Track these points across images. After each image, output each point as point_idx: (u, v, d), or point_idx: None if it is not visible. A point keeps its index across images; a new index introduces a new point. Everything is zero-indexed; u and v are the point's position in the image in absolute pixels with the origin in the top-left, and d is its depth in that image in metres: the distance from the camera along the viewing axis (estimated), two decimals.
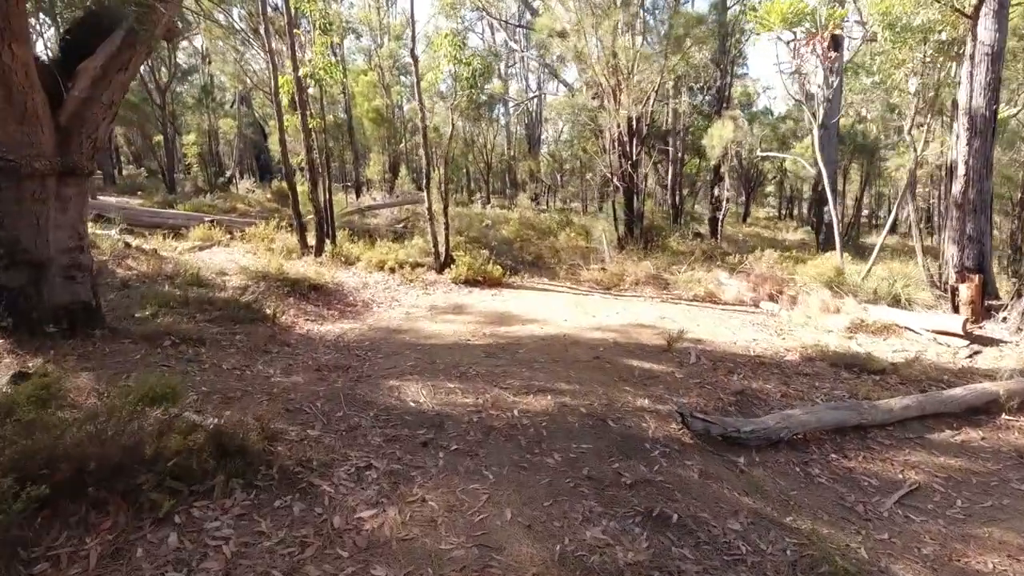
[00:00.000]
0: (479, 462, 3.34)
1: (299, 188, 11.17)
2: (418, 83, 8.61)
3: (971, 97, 6.52)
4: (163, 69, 24.59)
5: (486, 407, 4.16)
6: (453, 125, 8.75)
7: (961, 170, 6.67)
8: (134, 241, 8.69)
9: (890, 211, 30.38)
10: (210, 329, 5.51)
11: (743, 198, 27.42)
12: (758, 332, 6.89)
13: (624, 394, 4.57)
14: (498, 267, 9.41)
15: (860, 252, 15.84)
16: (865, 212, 29.09)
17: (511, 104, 29.05)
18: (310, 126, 10.01)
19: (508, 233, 14.59)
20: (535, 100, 29.59)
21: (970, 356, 5.92)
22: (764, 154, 23.16)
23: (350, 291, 8.55)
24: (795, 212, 34.63)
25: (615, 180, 13.44)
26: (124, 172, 29.98)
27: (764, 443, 4.03)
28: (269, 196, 20.75)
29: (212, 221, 12.06)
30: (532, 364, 5.32)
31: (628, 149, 13.02)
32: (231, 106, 30.14)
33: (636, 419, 4.08)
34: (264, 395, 3.98)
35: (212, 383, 4.12)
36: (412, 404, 4.20)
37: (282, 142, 10.02)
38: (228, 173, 29.66)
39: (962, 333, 6.18)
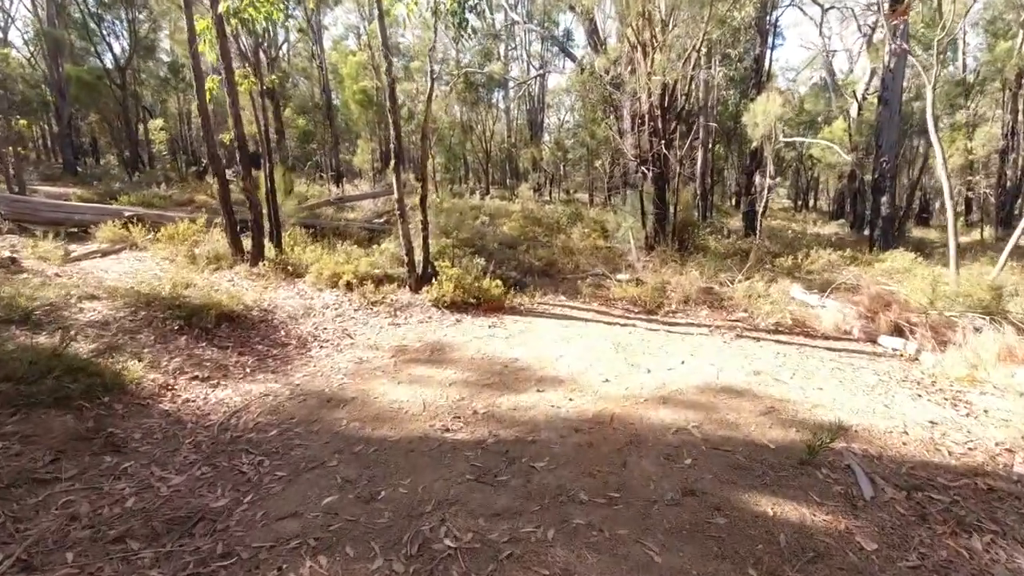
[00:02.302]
0: None
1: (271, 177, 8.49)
2: (381, 18, 5.87)
3: None
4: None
5: None
6: (432, 79, 6.06)
7: None
8: None
9: (929, 202, 27.61)
10: None
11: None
12: (921, 402, 4.23)
13: None
14: (497, 282, 6.75)
15: (919, 249, 13.12)
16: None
17: (511, 86, 26.36)
18: (241, 87, 7.32)
19: (510, 230, 11.91)
20: (537, 81, 26.83)
21: None
22: (789, 139, 20.40)
23: (283, 322, 5.88)
24: (811, 203, 32.09)
25: (642, 166, 10.73)
26: (101, 162, 27.40)
27: None
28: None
29: (132, 217, 9.44)
30: (567, 511, 2.69)
31: (661, 125, 10.31)
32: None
33: None
34: None
35: None
36: None
37: (202, 111, 7.31)
38: (204, 161, 27.05)
39: None
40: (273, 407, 4.05)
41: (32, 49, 25.80)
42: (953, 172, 23.46)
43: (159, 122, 23.77)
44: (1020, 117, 18.77)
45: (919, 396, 4.36)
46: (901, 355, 5.42)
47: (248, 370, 4.78)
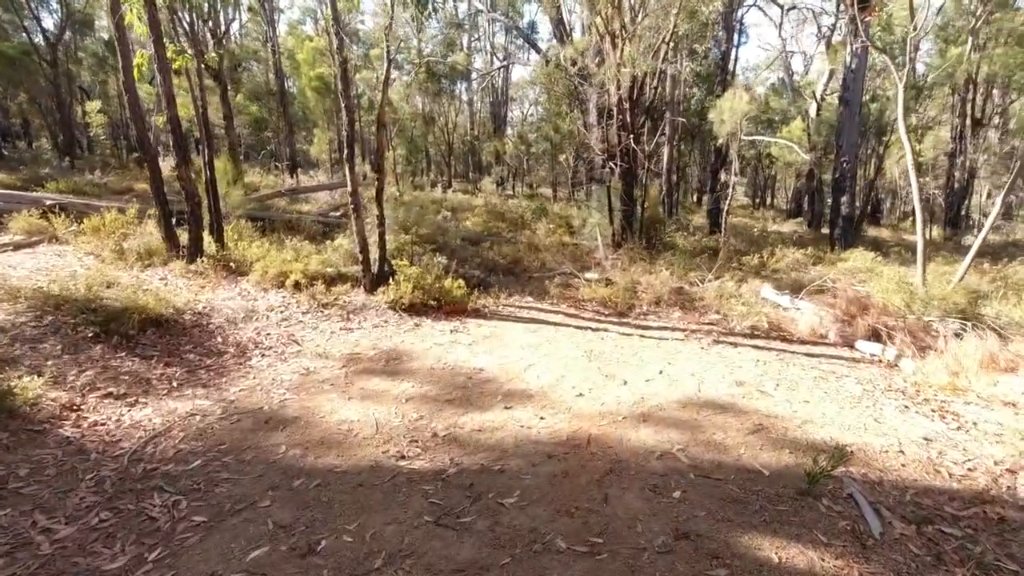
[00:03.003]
0: None
1: (218, 165, 7.67)
2: None
3: None
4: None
5: None
6: (388, 61, 5.48)
7: None
8: None
9: (880, 202, 28.34)
10: None
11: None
12: (910, 415, 4.00)
13: None
14: (460, 283, 6.28)
15: (876, 248, 13.34)
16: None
17: (475, 78, 25.80)
18: (175, 65, 6.59)
19: (473, 225, 11.45)
20: (501, 73, 26.36)
21: None
22: (752, 137, 20.50)
23: (220, 326, 5.27)
24: (768, 201, 32.74)
25: (610, 161, 10.41)
26: (34, 145, 25.42)
27: None
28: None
29: (54, 206, 8.55)
30: (542, 563, 2.27)
31: (629, 119, 10.00)
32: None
33: None
34: None
35: None
36: None
37: (129, 89, 6.57)
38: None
39: None
40: (200, 430, 3.50)
41: None
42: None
43: (97, 104, 22.18)
44: (968, 121, 19.36)
45: (907, 408, 4.14)
46: (880, 361, 5.23)
47: (175, 384, 4.19)
